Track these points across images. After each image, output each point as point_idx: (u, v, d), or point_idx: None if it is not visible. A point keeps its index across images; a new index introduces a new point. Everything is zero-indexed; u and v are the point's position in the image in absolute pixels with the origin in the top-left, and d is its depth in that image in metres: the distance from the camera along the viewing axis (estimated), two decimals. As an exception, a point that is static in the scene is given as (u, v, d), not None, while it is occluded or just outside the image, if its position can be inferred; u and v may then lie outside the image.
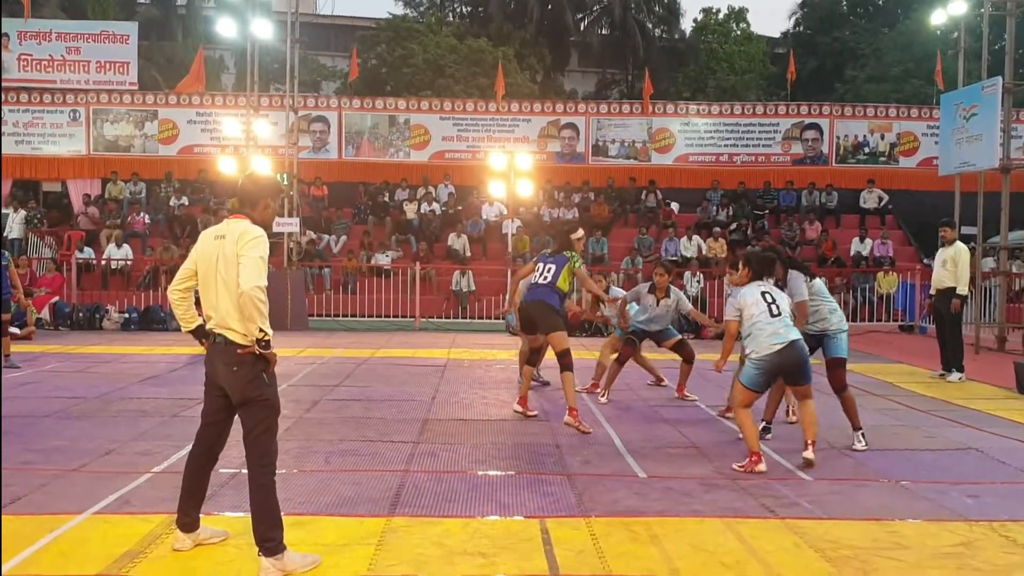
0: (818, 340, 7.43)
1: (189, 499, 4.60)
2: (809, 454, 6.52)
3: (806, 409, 6.71)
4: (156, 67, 30.30)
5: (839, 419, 8.14)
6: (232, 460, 6.48)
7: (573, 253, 8.13)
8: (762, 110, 24.91)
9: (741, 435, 6.79)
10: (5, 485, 5.15)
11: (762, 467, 6.37)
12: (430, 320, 18.31)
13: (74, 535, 4.60)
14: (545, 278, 8.03)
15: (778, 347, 6.38)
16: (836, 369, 7.35)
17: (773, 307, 6.49)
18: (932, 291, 11.68)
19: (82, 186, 23.23)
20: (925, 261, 20.07)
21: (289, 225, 18.13)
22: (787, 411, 8.27)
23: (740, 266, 6.88)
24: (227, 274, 4.35)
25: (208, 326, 4.49)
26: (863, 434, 7.29)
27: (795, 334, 6.50)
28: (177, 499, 4.63)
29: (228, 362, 4.39)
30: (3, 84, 22.93)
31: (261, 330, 4.28)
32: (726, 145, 24.16)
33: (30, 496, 4.48)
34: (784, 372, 6.58)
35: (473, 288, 19.50)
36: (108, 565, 4.32)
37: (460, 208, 22.86)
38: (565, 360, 7.82)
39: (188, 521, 4.57)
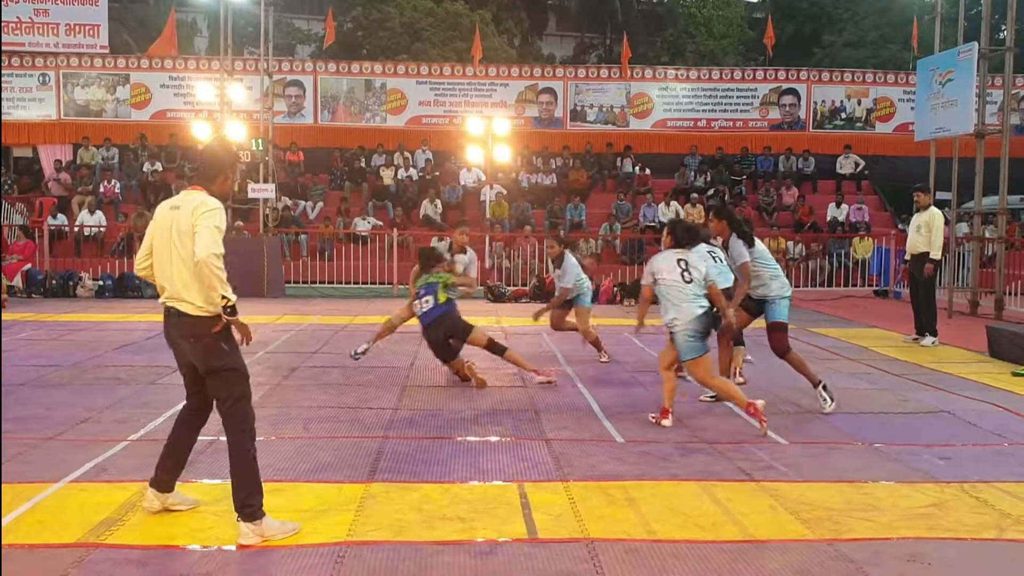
0: (759, 305, 7.59)
1: (169, 457, 4.59)
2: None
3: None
4: (127, 30, 29.79)
5: (808, 384, 8.21)
6: (210, 428, 6.45)
7: (439, 274, 8.59)
8: (740, 75, 24.87)
9: (722, 398, 7.07)
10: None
11: (667, 422, 6.73)
12: (408, 287, 18.21)
13: (51, 503, 4.58)
14: (424, 310, 8.36)
15: (699, 312, 6.58)
16: (775, 332, 7.45)
17: (686, 273, 6.67)
18: (907, 256, 11.77)
19: (53, 151, 22.90)
20: (900, 226, 20.23)
21: (265, 191, 17.97)
22: (733, 371, 8.46)
23: (665, 232, 7.08)
24: (182, 245, 4.30)
25: (161, 299, 4.45)
26: (825, 387, 7.35)
27: (706, 302, 6.70)
28: (153, 467, 4.61)
29: (185, 334, 4.37)
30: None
31: (224, 296, 4.24)
32: (704, 110, 24.13)
33: (6, 465, 4.45)
34: (709, 333, 6.83)
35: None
36: (85, 533, 4.31)
37: (438, 174, 22.73)
38: (496, 349, 8.30)
39: (164, 479, 4.56)
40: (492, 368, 9.30)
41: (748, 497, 5.04)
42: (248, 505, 4.30)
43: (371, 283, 18.45)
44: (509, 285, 18.28)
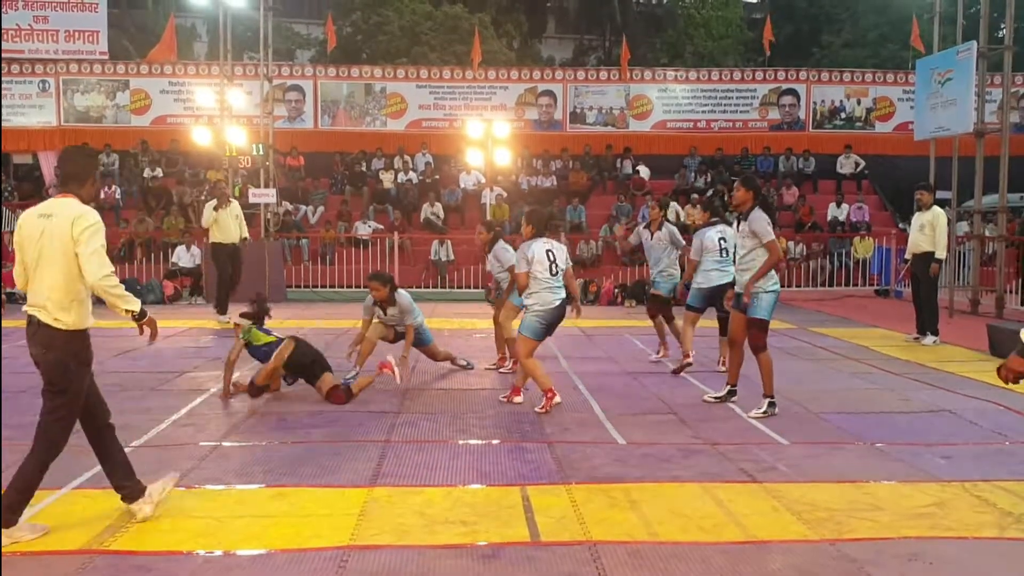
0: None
1: (106, 465, 4.63)
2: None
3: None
4: (127, 36, 29.84)
5: (814, 383, 8.24)
6: (210, 434, 6.49)
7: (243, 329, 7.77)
8: (739, 76, 24.87)
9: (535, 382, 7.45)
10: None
11: (557, 400, 7.33)
12: (409, 290, 18.14)
13: (55, 510, 4.59)
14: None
15: (557, 303, 7.21)
16: (751, 328, 7.19)
17: (553, 266, 7.16)
18: (908, 255, 11.77)
19: (53, 158, 22.89)
20: (901, 226, 20.22)
21: (266, 196, 17.97)
22: (719, 361, 9.17)
23: (525, 222, 7.44)
24: (52, 251, 4.27)
25: (24, 307, 4.41)
26: (770, 403, 7.16)
27: (564, 293, 7.29)
28: (155, 473, 4.63)
29: (40, 343, 4.33)
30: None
31: (128, 310, 4.40)
32: (704, 111, 24.13)
33: (8, 471, 4.46)
34: (554, 326, 7.37)
35: (452, 258, 19.45)
36: (90, 539, 4.32)
37: (437, 177, 22.74)
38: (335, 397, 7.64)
39: (122, 487, 4.59)
40: (495, 371, 9.31)
41: (750, 498, 5.05)
42: (17, 511, 4.31)
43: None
44: (510, 288, 18.26)
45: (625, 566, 4.06)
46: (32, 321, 4.33)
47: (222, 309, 13.44)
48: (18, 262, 4.47)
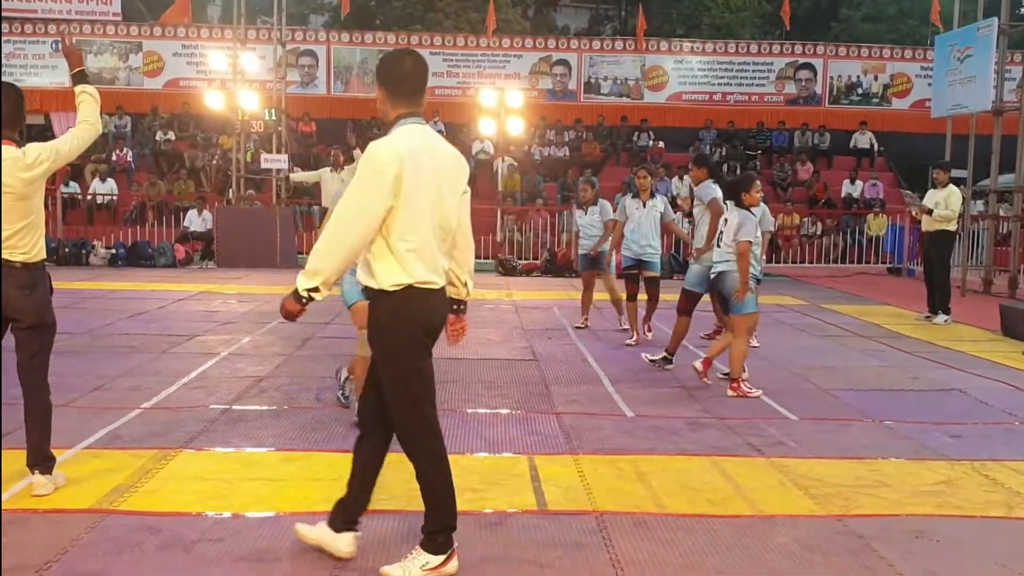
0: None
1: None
2: None
3: None
4: (140, -3, 29.66)
5: (824, 360, 8.23)
6: (222, 397, 6.52)
7: None
8: (756, 49, 24.64)
9: None
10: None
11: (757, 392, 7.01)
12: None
13: (65, 469, 4.62)
14: None
15: None
16: (681, 295, 7.95)
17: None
18: (923, 230, 11.71)
19: (66, 119, 22.85)
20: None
21: (278, 162, 17.94)
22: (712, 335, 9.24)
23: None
24: (21, 196, 4.26)
25: None
26: (665, 358, 7.83)
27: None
28: (164, 435, 4.64)
29: (19, 285, 4.27)
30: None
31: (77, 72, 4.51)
32: (720, 84, 23.95)
33: (20, 431, 4.49)
34: None
35: (462, 227, 19.41)
36: (99, 499, 4.36)
37: (450, 146, 22.64)
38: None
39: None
40: (503, 341, 9.32)
41: (758, 472, 5.05)
42: (51, 458, 4.40)
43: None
44: (520, 259, 18.27)
45: (631, 536, 4.07)
46: (6, 263, 4.26)
47: None
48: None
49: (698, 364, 7.29)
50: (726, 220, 7.06)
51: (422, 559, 3.58)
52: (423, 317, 3.51)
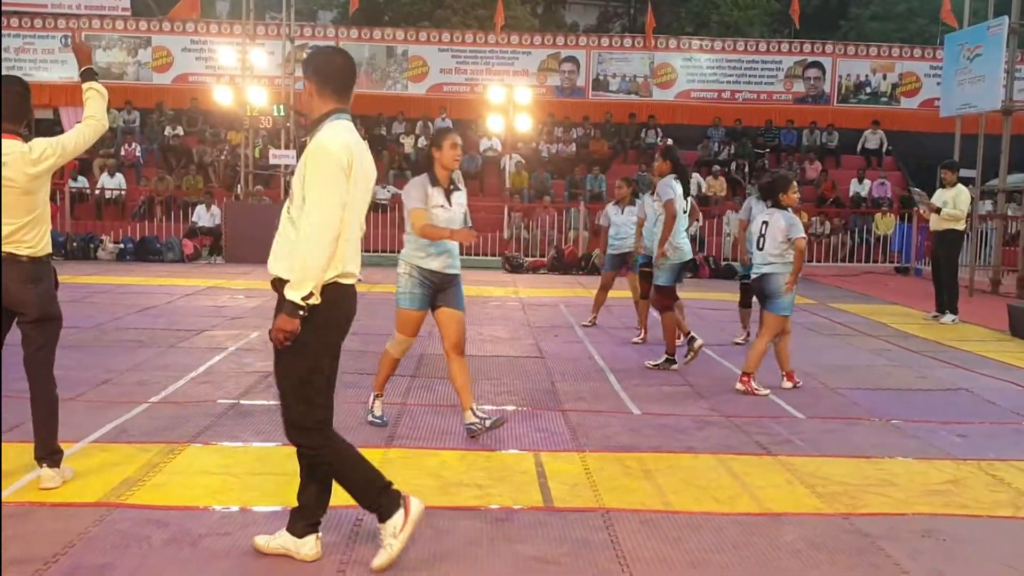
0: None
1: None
2: None
3: None
4: (149, -7, 29.70)
5: (832, 359, 8.22)
6: (230, 391, 6.53)
7: None
8: (765, 47, 24.58)
9: None
10: (4, 412, 5.18)
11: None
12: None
13: (72, 463, 4.63)
14: None
15: None
16: (655, 293, 7.99)
17: None
18: (931, 229, 11.68)
19: (74, 114, 22.90)
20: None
21: (286, 157, 17.97)
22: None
23: None
24: (26, 191, 4.28)
25: None
26: (668, 360, 7.80)
27: None
28: (171, 429, 4.65)
29: (25, 279, 4.29)
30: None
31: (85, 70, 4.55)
32: (728, 82, 23.90)
33: (27, 425, 4.51)
34: None
35: (469, 224, 19.38)
36: (106, 492, 4.37)
37: (457, 142, 22.61)
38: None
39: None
40: (510, 338, 9.33)
41: (765, 471, 5.05)
42: (59, 451, 4.43)
43: (390, 251, 18.43)
44: (527, 256, 18.27)
45: (638, 534, 4.07)
46: (7, 258, 4.27)
47: None
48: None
49: (740, 386, 7.11)
50: (765, 223, 7.00)
51: (390, 538, 3.63)
52: (344, 311, 3.57)
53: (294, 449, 4.68)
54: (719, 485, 4.78)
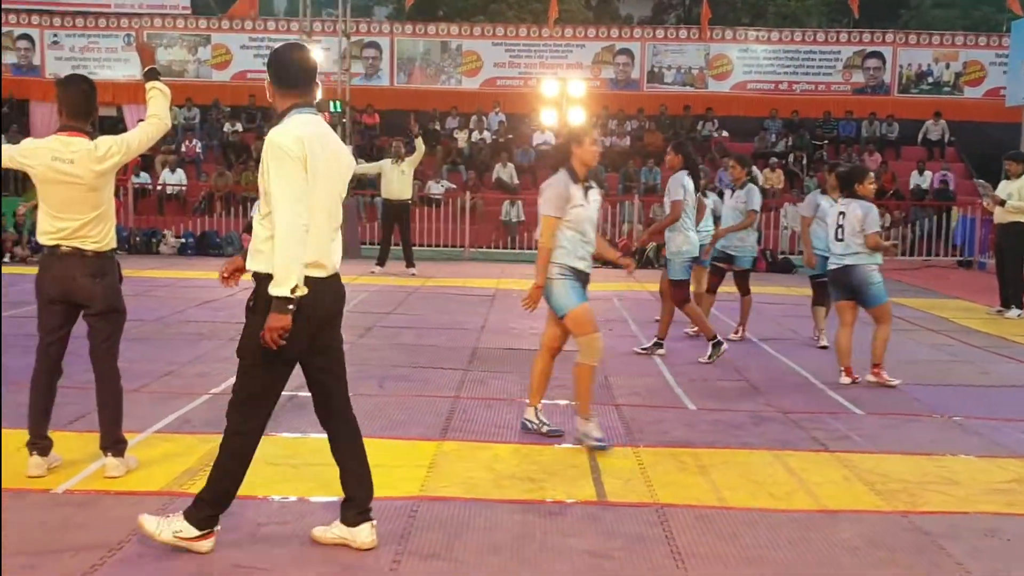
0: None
1: (45, 420, 4.53)
2: None
3: None
4: (208, -9, 30.23)
5: (892, 354, 8.06)
6: (289, 383, 6.61)
7: None
8: (823, 37, 24.18)
9: None
10: (71, 403, 5.34)
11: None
12: (479, 250, 18.33)
13: (136, 452, 4.75)
14: None
15: None
16: (671, 288, 7.98)
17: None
18: (995, 222, 11.40)
19: (137, 111, 23.39)
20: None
21: (341, 153, 18.13)
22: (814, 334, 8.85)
23: None
24: (92, 187, 4.37)
25: (55, 239, 4.39)
26: (714, 345, 7.71)
27: None
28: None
29: (91, 273, 4.39)
30: (58, 9, 23.13)
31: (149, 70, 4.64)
32: (785, 73, 23.55)
33: (93, 415, 4.64)
34: None
35: (522, 218, 19.43)
36: (169, 482, 4.48)
37: (511, 136, 22.66)
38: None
39: (47, 444, 4.53)
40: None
41: (822, 467, 4.99)
42: (122, 441, 4.52)
43: (443, 246, 18.55)
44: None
45: (692, 530, 4.05)
46: (73, 252, 4.38)
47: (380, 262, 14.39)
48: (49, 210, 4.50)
49: (871, 376, 7.08)
50: (842, 214, 6.91)
51: (179, 524, 3.63)
52: (305, 306, 3.53)
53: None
54: (775, 481, 4.73)
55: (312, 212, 3.52)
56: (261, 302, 3.52)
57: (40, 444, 4.49)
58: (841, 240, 6.94)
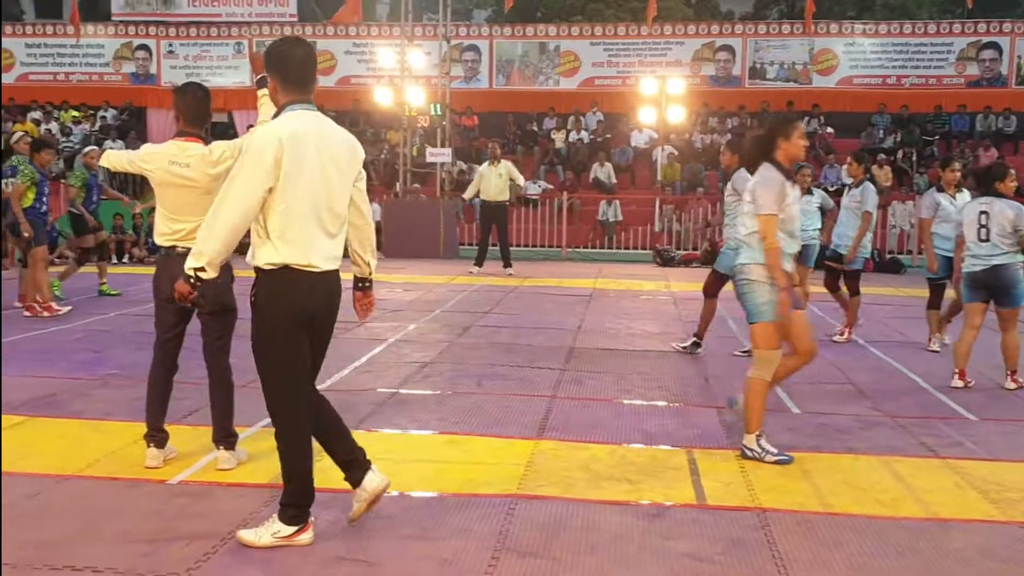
0: None
1: (162, 413, 4.71)
2: None
3: None
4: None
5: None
6: (389, 381, 6.77)
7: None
8: (934, 29, 23.32)
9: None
10: (186, 397, 5.57)
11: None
12: (576, 250, 18.32)
13: (246, 446, 4.91)
14: None
15: None
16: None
17: None
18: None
19: (246, 117, 24.23)
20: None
21: (442, 155, 18.40)
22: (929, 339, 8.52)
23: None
24: (207, 191, 4.48)
25: (171, 240, 4.60)
26: (695, 343, 7.98)
27: None
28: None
29: None
30: (173, 20, 24.09)
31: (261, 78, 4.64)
32: (894, 67, 22.81)
33: (206, 409, 4.82)
34: None
35: (620, 218, 19.34)
36: (276, 475, 4.55)
37: (609, 136, 22.56)
38: None
39: (163, 436, 4.71)
40: (661, 333, 9.24)
41: (932, 474, 4.82)
42: (234, 434, 4.67)
43: (541, 246, 18.61)
44: (679, 249, 18.02)
45: (794, 535, 3.97)
46: (181, 253, 4.49)
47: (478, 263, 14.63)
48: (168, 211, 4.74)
49: (1010, 383, 6.88)
50: (984, 214, 6.67)
51: (275, 527, 3.72)
52: (299, 298, 3.61)
53: (449, 437, 4.79)
54: (882, 487, 4.59)
55: (290, 209, 3.56)
56: (261, 296, 3.65)
57: (157, 436, 4.70)
58: (986, 240, 6.66)
